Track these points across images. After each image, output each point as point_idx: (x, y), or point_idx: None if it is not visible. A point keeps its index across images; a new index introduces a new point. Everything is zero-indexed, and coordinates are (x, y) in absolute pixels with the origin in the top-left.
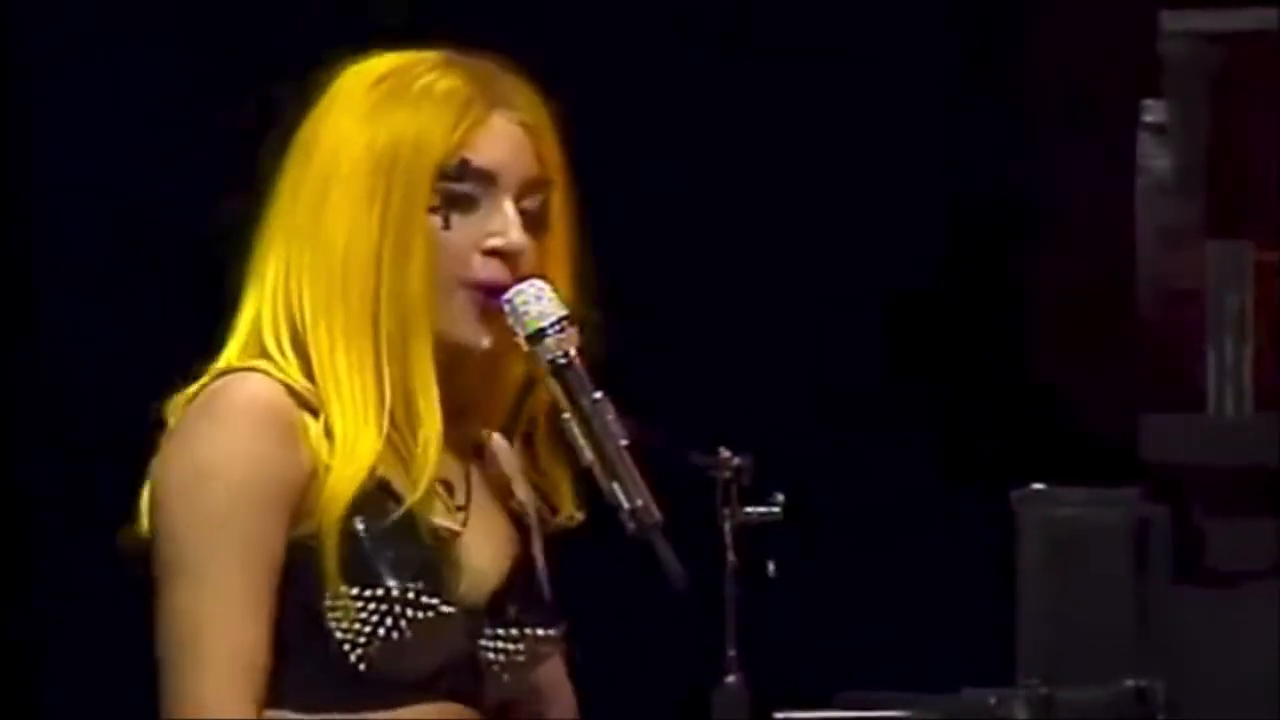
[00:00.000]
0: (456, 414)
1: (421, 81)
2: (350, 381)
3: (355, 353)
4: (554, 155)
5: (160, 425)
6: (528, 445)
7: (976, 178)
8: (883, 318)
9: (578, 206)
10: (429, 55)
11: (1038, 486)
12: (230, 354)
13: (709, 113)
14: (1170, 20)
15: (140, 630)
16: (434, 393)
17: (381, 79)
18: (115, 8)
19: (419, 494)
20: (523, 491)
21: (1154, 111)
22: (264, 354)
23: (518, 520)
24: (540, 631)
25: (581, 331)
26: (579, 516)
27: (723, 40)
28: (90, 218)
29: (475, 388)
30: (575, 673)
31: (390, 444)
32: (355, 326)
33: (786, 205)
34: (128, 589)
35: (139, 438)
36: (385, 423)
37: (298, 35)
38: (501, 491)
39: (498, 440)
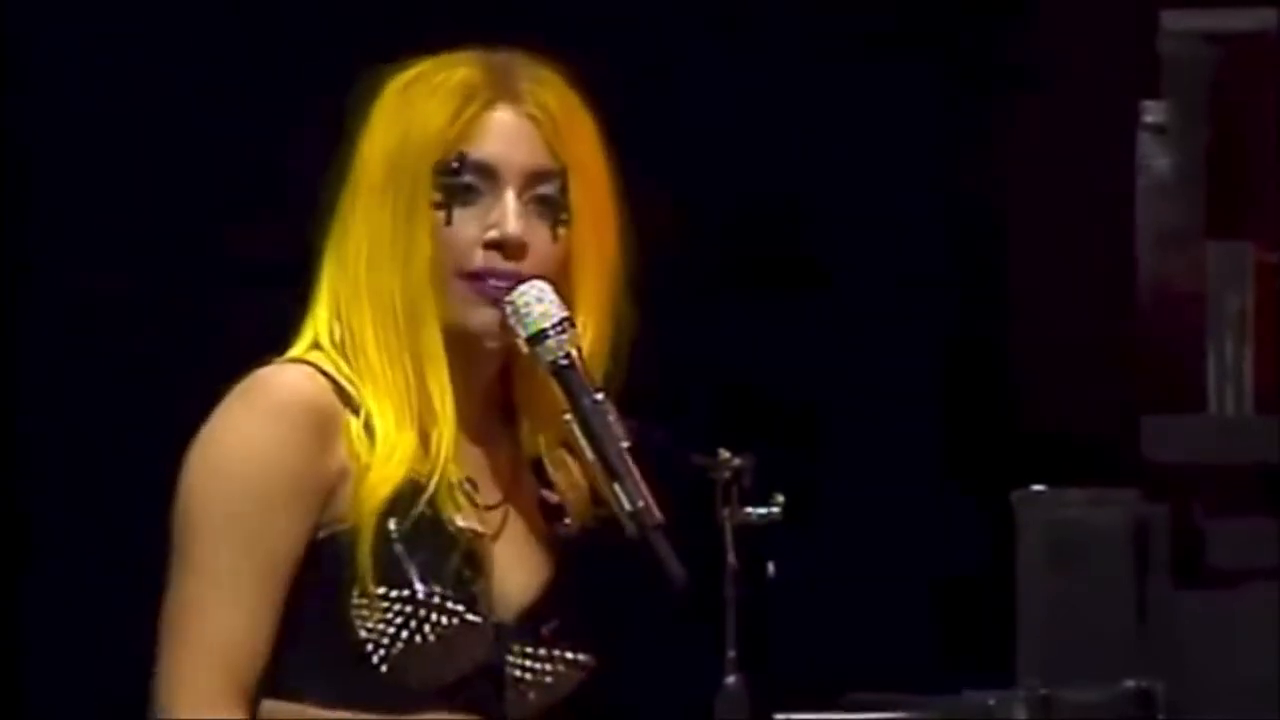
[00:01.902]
0: (502, 418)
1: (436, 79)
2: (387, 382)
3: (386, 355)
4: (571, 146)
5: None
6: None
7: (976, 177)
8: (882, 317)
9: (609, 197)
10: (458, 55)
11: (1038, 487)
12: (295, 350)
13: (711, 107)
14: (1170, 20)
15: (137, 631)
16: (446, 388)
17: (409, 82)
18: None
19: (433, 486)
20: (574, 509)
21: (1154, 111)
22: (318, 348)
23: (564, 543)
24: (570, 655)
25: (616, 327)
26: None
27: (722, 36)
28: (89, 216)
29: (521, 393)
30: (591, 693)
31: (423, 443)
32: (381, 327)
33: (785, 203)
34: (125, 589)
35: (138, 437)
36: (419, 425)
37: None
38: (548, 511)
39: (557, 457)
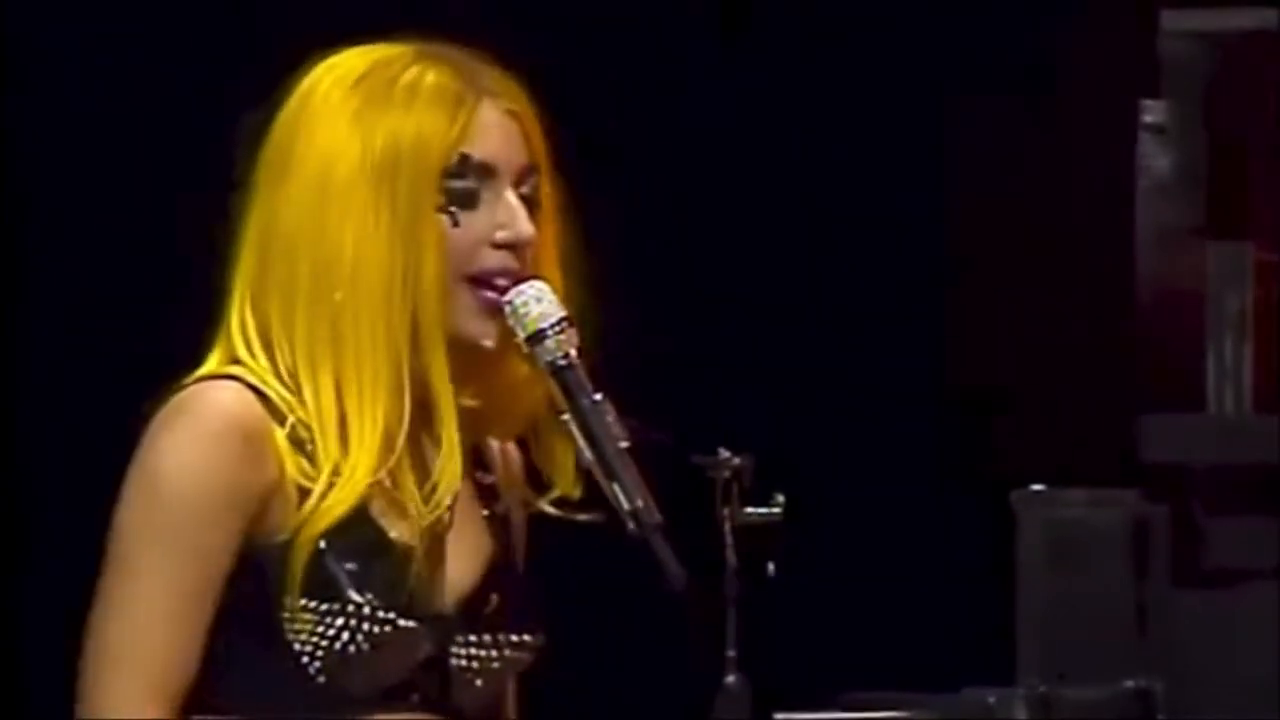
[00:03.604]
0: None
1: (405, 79)
2: (360, 402)
3: (370, 370)
4: (539, 141)
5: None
6: (533, 435)
7: (976, 177)
8: (882, 318)
9: (561, 190)
10: (403, 50)
11: (1038, 487)
12: (211, 364)
13: (712, 109)
14: (1170, 20)
15: None
16: (451, 395)
17: (361, 78)
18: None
19: (441, 509)
20: (510, 494)
21: (1154, 111)
22: (237, 361)
23: (499, 524)
24: (515, 637)
25: (576, 320)
26: (576, 493)
27: (720, 34)
28: (87, 213)
29: (476, 393)
30: (549, 676)
31: (385, 452)
32: (369, 342)
33: (785, 203)
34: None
35: (138, 437)
36: (399, 442)
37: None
38: (483, 494)
39: (492, 441)
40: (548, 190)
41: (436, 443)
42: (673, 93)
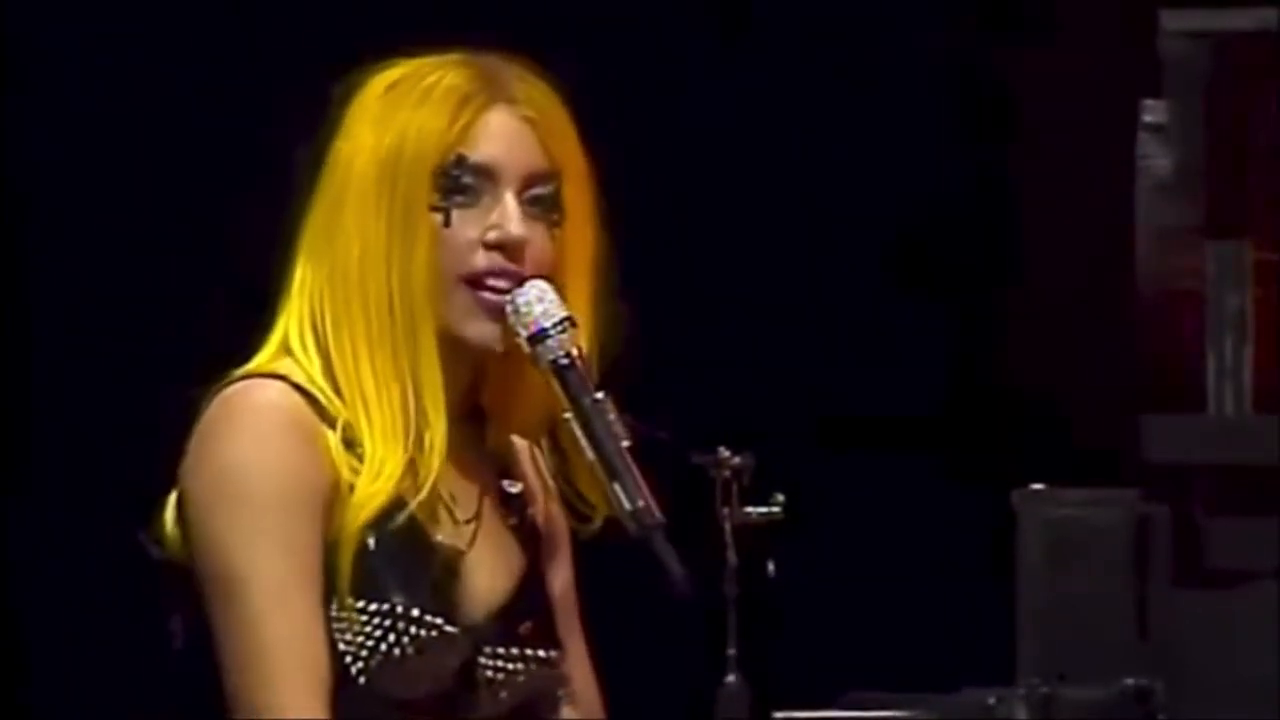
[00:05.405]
0: (475, 423)
1: (426, 82)
2: (378, 395)
3: (379, 362)
4: (564, 148)
5: (191, 421)
6: (554, 449)
7: (975, 177)
8: (883, 318)
9: (596, 198)
10: (442, 58)
11: (1038, 486)
12: (259, 361)
13: (712, 109)
14: (1170, 20)
15: (136, 627)
16: (440, 393)
17: (394, 84)
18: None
19: (417, 501)
20: (543, 502)
21: (1154, 111)
22: (289, 354)
23: (527, 533)
24: (542, 653)
25: (602, 325)
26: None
27: (720, 34)
28: (87, 213)
29: (496, 394)
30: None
31: (411, 455)
32: (376, 333)
33: (785, 203)
34: (124, 587)
35: (138, 437)
36: (411, 436)
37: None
38: (516, 503)
39: (521, 448)
40: (575, 198)
41: (468, 448)
42: (673, 93)
